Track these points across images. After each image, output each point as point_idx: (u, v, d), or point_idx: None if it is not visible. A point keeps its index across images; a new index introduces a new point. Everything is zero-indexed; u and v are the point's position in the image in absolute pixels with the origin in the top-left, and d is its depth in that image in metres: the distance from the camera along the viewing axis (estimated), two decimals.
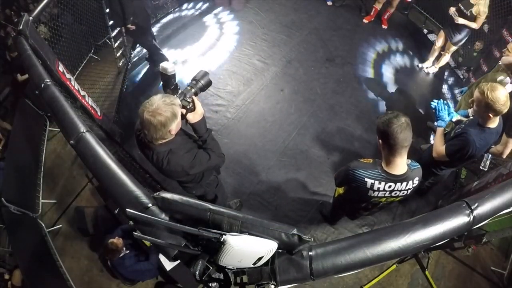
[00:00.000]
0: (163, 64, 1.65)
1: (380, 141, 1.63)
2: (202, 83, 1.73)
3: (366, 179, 1.68)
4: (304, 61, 4.36)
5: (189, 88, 1.70)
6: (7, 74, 4.35)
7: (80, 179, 3.53)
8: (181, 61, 4.25)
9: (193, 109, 1.69)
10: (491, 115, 1.95)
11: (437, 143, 2.28)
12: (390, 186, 1.68)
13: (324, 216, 3.11)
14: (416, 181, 1.73)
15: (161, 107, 1.50)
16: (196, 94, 1.72)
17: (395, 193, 1.74)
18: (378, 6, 4.79)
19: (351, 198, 2.03)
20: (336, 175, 2.03)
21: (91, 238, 3.16)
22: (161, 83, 1.75)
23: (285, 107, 3.88)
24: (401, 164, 1.64)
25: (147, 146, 1.69)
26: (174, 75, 1.67)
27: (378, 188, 1.68)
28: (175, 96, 1.63)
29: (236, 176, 3.32)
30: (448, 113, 2.33)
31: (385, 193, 1.73)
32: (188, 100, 1.66)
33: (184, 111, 1.64)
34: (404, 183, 1.69)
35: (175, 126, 1.58)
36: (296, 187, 3.31)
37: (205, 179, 2.11)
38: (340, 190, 2.23)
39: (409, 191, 1.75)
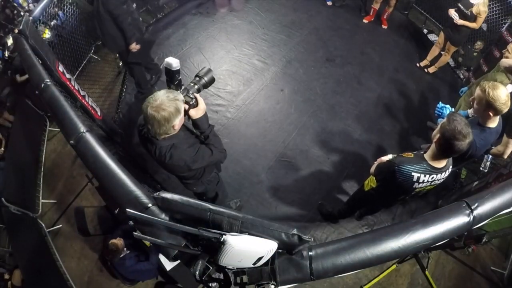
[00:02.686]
0: (168, 60, 1.66)
1: (438, 140, 1.67)
2: (205, 80, 1.74)
3: (413, 173, 1.76)
4: (304, 61, 4.36)
5: (192, 84, 1.72)
6: (7, 75, 4.34)
7: (80, 179, 3.53)
8: (181, 60, 4.25)
9: (195, 105, 1.70)
10: (491, 114, 1.95)
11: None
12: (432, 177, 1.80)
13: (324, 215, 3.11)
14: (450, 168, 1.85)
15: (165, 102, 1.51)
16: (199, 90, 1.73)
17: (434, 182, 1.85)
18: (376, 5, 4.79)
19: (391, 191, 2.08)
20: (377, 171, 2.09)
21: (91, 238, 3.15)
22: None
23: (285, 107, 3.88)
24: (447, 159, 1.78)
25: (150, 141, 1.70)
26: (178, 71, 1.68)
27: (423, 180, 1.78)
28: (179, 91, 1.64)
29: (236, 176, 3.32)
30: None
31: (427, 184, 1.83)
32: (191, 96, 1.68)
33: (186, 106, 1.65)
34: (443, 173, 1.82)
35: (178, 121, 1.59)
36: (296, 187, 3.31)
37: (206, 176, 2.12)
38: (372, 183, 2.23)
39: (444, 178, 1.87)
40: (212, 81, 1.77)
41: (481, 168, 3.12)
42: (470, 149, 2.05)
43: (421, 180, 1.77)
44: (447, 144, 1.61)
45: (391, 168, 1.83)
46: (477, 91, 1.99)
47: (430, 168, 1.75)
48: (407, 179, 1.78)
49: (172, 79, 1.68)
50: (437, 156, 1.73)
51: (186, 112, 1.67)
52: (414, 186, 1.81)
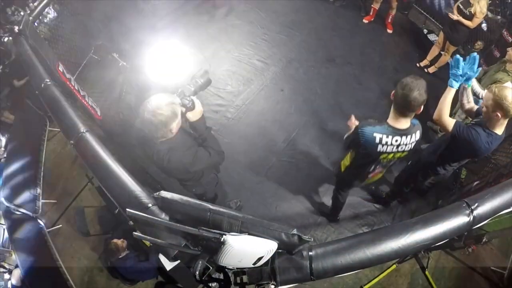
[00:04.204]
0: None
1: (392, 96, 1.80)
2: (201, 82, 1.74)
3: (375, 134, 1.82)
4: (304, 61, 4.36)
5: (188, 86, 1.71)
6: (7, 76, 4.32)
7: (80, 179, 3.53)
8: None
9: (192, 108, 1.69)
10: (499, 115, 1.91)
11: (444, 108, 2.05)
12: (396, 140, 1.84)
13: (325, 214, 3.12)
14: (418, 134, 1.90)
15: (162, 106, 1.51)
16: (195, 92, 1.73)
17: (401, 148, 1.89)
18: (376, 5, 4.79)
19: (360, 163, 2.13)
20: (344, 139, 2.14)
21: (91, 238, 3.16)
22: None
23: (285, 107, 3.88)
24: (405, 121, 1.83)
25: (148, 145, 1.70)
26: None
27: (386, 142, 1.83)
28: (175, 94, 1.64)
29: (236, 176, 3.32)
30: (464, 73, 1.98)
31: (392, 148, 1.87)
32: (188, 99, 1.67)
33: (183, 109, 1.65)
34: (409, 137, 1.86)
35: (175, 125, 1.59)
36: (296, 187, 3.31)
37: (205, 177, 2.12)
38: (346, 162, 2.30)
39: (412, 144, 1.91)
40: (208, 82, 1.77)
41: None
42: (475, 146, 2.02)
43: (384, 142, 1.82)
44: (398, 99, 1.74)
45: (355, 131, 1.92)
46: (485, 93, 1.98)
47: (392, 129, 1.82)
48: (369, 141, 1.84)
49: None
50: (395, 115, 1.81)
51: (183, 115, 1.67)
52: (378, 150, 1.86)
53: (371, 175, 2.26)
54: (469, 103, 2.23)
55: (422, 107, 1.75)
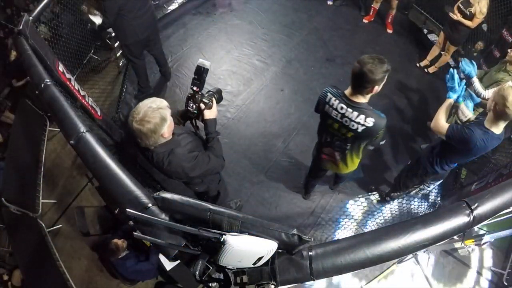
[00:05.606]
0: (202, 60, 1.79)
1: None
2: (216, 97, 1.92)
3: (328, 94, 1.99)
4: (304, 61, 4.36)
5: (208, 92, 1.90)
6: (6, 76, 4.33)
7: (80, 179, 3.53)
8: (181, 61, 4.25)
9: (210, 106, 1.85)
10: (495, 107, 1.93)
11: (440, 115, 2.20)
12: (342, 108, 1.92)
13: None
14: (369, 121, 1.86)
15: (148, 114, 1.51)
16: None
17: (346, 121, 1.93)
18: (376, 5, 4.79)
19: (319, 129, 2.27)
20: None
21: (91, 238, 3.15)
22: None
23: (285, 107, 3.88)
24: (357, 97, 1.88)
25: (146, 148, 1.70)
26: (207, 71, 1.79)
27: (333, 104, 1.95)
28: (197, 92, 1.80)
29: (236, 176, 3.32)
30: (459, 85, 2.20)
31: (337, 115, 1.95)
32: (209, 98, 1.85)
33: (203, 106, 1.82)
34: (355, 113, 1.88)
35: (166, 129, 1.59)
36: (296, 187, 3.31)
37: (208, 177, 2.12)
38: None
39: (359, 126, 1.89)
40: (221, 99, 2.01)
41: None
42: (471, 146, 2.03)
43: (331, 103, 1.95)
44: (353, 73, 1.79)
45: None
46: (494, 89, 2.05)
47: (343, 96, 1.92)
48: (322, 97, 2.02)
49: (200, 78, 1.80)
50: (351, 88, 1.90)
51: (201, 112, 1.82)
52: (325, 109, 2.00)
53: (323, 155, 2.33)
54: (466, 117, 2.30)
55: (376, 88, 1.79)
